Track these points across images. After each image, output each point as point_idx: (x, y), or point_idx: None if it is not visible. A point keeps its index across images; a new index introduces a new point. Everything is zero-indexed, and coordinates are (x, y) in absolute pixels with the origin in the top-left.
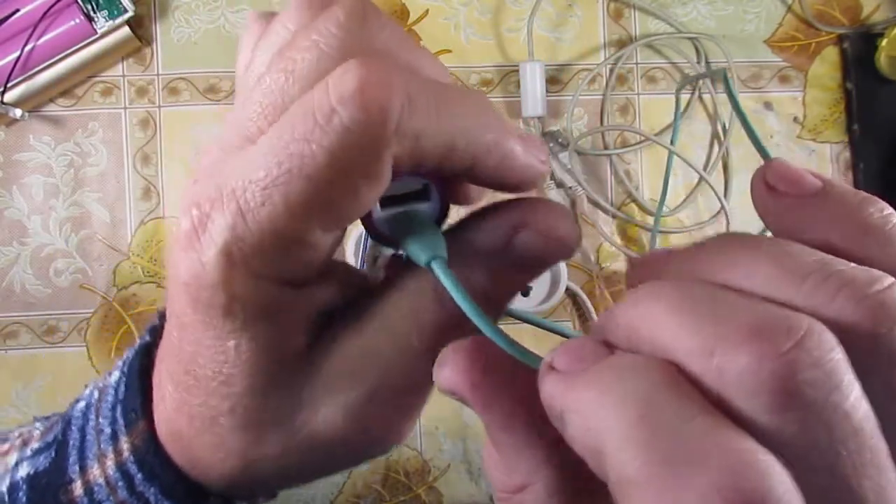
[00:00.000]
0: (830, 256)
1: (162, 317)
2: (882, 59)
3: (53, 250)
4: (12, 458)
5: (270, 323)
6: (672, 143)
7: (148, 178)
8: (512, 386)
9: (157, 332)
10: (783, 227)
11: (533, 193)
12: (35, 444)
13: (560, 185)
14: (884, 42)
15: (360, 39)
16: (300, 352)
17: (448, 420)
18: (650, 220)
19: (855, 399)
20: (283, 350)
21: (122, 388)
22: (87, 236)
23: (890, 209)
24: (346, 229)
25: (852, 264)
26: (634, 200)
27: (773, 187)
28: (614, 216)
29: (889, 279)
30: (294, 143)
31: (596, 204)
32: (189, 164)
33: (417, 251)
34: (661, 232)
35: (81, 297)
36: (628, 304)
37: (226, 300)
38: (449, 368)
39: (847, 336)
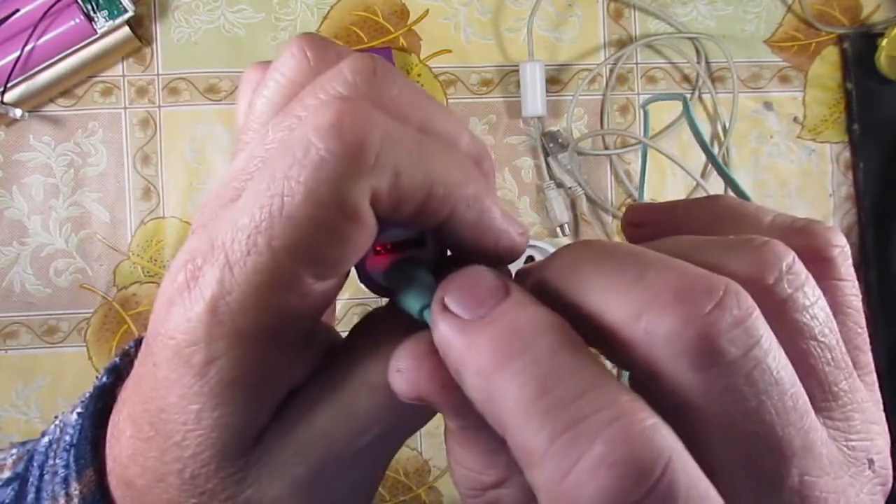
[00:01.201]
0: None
1: (124, 355)
2: (882, 59)
3: (53, 250)
4: None
5: (238, 399)
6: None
7: (148, 178)
8: None
9: (117, 372)
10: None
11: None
12: (5, 474)
13: (560, 185)
14: (884, 42)
15: (370, 98)
16: (258, 431)
17: None
18: None
19: (773, 352)
20: (242, 429)
21: (77, 431)
22: (87, 236)
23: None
24: (342, 282)
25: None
26: (635, 200)
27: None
28: (614, 216)
29: (761, 238)
30: (274, 183)
31: (596, 204)
32: (189, 164)
33: (410, 301)
34: None
35: (81, 297)
36: (554, 263)
37: (204, 359)
38: (411, 371)
39: (747, 289)
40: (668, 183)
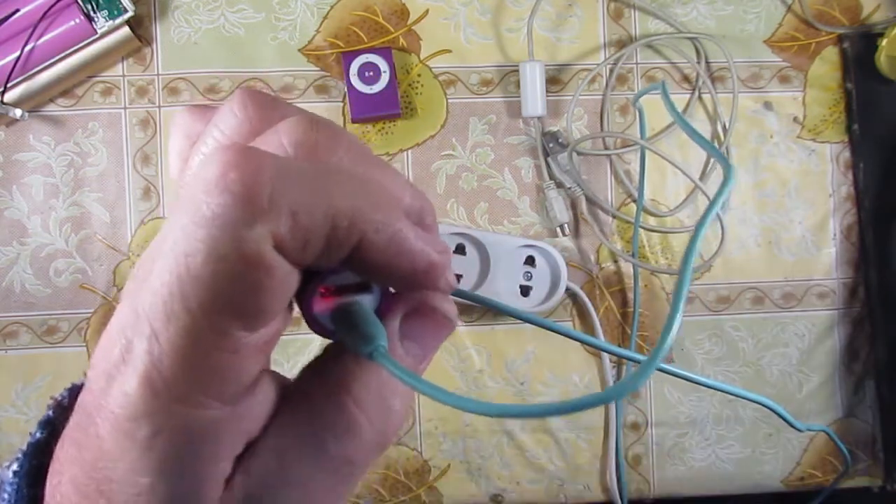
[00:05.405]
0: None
1: (58, 406)
2: (882, 59)
3: (53, 250)
4: None
5: (190, 465)
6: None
7: (148, 178)
8: None
9: (52, 427)
10: None
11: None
12: None
13: (560, 185)
14: (884, 42)
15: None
16: (220, 488)
17: (448, 420)
18: (651, 220)
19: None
20: (202, 492)
21: (14, 490)
22: (87, 236)
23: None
24: (279, 328)
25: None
26: (634, 201)
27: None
28: (614, 216)
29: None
30: (176, 245)
31: (596, 204)
32: None
33: (358, 343)
34: (660, 231)
35: (81, 297)
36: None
37: (148, 434)
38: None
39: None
40: (668, 182)
